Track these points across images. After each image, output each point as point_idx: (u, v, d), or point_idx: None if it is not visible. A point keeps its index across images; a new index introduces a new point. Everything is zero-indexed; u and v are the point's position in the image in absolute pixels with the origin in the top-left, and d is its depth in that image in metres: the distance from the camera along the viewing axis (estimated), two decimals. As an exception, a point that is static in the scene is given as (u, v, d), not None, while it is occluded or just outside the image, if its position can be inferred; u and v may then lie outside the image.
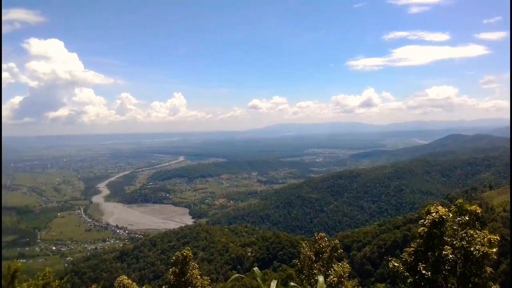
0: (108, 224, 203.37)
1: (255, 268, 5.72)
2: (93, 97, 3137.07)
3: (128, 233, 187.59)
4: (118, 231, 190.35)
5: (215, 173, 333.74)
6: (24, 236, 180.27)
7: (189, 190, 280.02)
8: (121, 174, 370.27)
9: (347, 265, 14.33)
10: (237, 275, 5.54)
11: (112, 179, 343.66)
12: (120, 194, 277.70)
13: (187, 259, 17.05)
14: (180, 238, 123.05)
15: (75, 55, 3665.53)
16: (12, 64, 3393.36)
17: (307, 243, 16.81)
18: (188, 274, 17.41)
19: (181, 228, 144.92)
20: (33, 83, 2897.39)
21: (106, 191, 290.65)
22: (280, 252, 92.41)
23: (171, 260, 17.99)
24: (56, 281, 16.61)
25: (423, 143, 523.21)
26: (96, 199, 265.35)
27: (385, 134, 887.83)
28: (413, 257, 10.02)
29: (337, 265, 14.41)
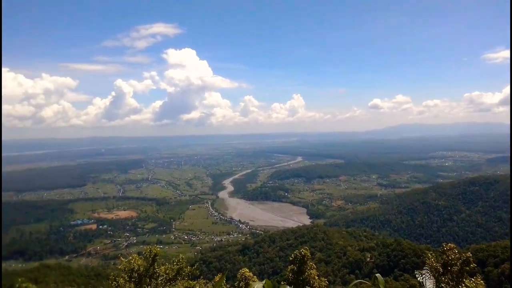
0: (232, 218, 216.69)
1: (378, 275, 5.69)
2: (220, 100, 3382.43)
3: (249, 228, 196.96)
4: (240, 226, 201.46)
5: (333, 174, 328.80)
6: (161, 224, 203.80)
7: (307, 190, 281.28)
8: (244, 172, 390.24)
9: (481, 281, 13.06)
10: (358, 280, 5.61)
11: (236, 176, 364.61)
12: (242, 191, 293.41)
13: (305, 259, 17.50)
14: (298, 237, 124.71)
15: (205, 62, 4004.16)
16: (153, 73, 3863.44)
17: (433, 254, 15.76)
18: (306, 273, 17.86)
19: (299, 227, 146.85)
20: (171, 89, 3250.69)
21: (230, 188, 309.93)
22: (402, 261, 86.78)
23: (290, 258, 18.62)
24: (188, 267, 18.76)
25: None
26: (222, 194, 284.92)
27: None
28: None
29: (469, 281, 13.23)
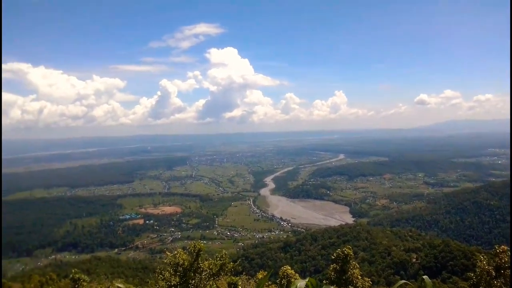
0: (273, 215, 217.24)
1: (425, 277, 5.53)
2: (261, 98, 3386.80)
3: (291, 225, 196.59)
4: (282, 223, 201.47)
5: (376, 172, 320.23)
6: (205, 220, 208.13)
7: (349, 189, 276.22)
8: (285, 169, 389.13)
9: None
10: (403, 281, 5.46)
11: (277, 174, 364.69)
12: (284, 188, 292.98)
13: (348, 258, 17.35)
14: (340, 236, 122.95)
15: (246, 60, 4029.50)
16: (197, 72, 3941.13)
17: (485, 256, 15.11)
18: (349, 272, 17.69)
19: (341, 226, 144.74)
20: (213, 88, 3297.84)
21: (271, 185, 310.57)
22: (450, 263, 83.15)
23: (332, 257, 18.52)
24: (231, 263, 19.11)
25: None
26: (263, 191, 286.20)
27: None
28: None
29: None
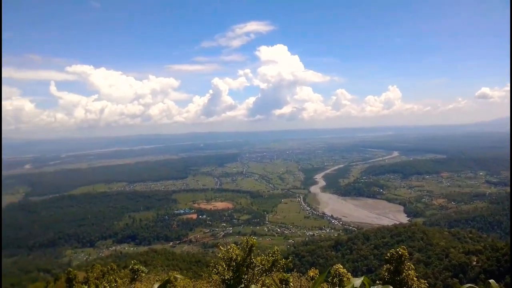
0: (324, 213, 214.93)
1: (492, 281, 5.20)
2: (311, 94, 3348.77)
3: (342, 224, 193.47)
4: (333, 221, 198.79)
5: (433, 170, 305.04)
6: (255, 216, 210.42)
7: (404, 187, 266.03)
8: (336, 167, 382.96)
9: None
10: (469, 285, 5.15)
11: (328, 171, 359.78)
12: (334, 186, 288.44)
13: (403, 258, 16.95)
14: (394, 236, 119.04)
15: (296, 57, 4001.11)
16: (247, 70, 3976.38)
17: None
18: (404, 273, 17.29)
19: (395, 226, 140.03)
20: (263, 85, 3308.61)
21: (322, 182, 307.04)
22: (516, 267, 77.68)
23: (386, 257, 18.16)
24: (283, 260, 19.36)
25: None
26: (313, 189, 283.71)
27: None
28: None
29: None
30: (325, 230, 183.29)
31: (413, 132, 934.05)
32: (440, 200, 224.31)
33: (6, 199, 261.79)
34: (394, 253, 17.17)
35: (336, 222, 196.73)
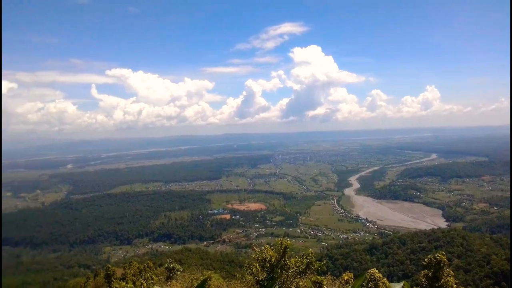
0: (358, 216, 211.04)
1: None
2: (346, 95, 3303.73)
3: (377, 227, 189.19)
4: (367, 224, 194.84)
5: (473, 173, 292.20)
6: (288, 218, 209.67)
7: (442, 191, 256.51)
8: (371, 169, 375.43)
9: None
10: None
11: (362, 173, 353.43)
12: (369, 188, 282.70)
13: (441, 264, 16.50)
14: (431, 241, 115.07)
15: (330, 58, 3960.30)
16: (280, 72, 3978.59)
17: None
18: (442, 280, 16.83)
19: (433, 230, 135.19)
20: (297, 86, 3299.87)
21: (356, 185, 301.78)
22: None
23: (423, 262, 17.73)
24: (317, 262, 19.31)
25: None
26: (347, 191, 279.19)
27: None
28: None
29: None
30: (360, 233, 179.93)
31: (452, 134, 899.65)
32: (481, 204, 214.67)
33: (50, 197, 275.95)
34: (433, 258, 16.73)
35: (371, 226, 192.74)
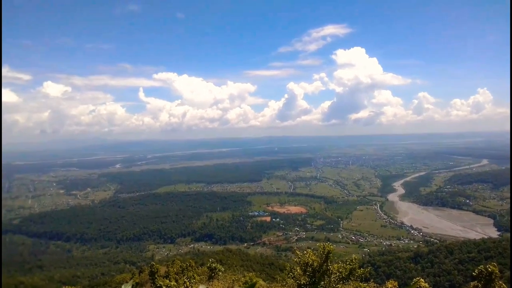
0: (402, 223, 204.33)
1: None
2: (390, 98, 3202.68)
3: (422, 235, 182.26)
4: (412, 232, 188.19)
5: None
6: (329, 222, 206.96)
7: (494, 198, 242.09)
8: (417, 174, 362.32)
9: None
10: None
11: (407, 178, 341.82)
12: (414, 194, 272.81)
13: (493, 276, 15.92)
14: (481, 251, 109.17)
15: (375, 59, 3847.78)
16: (323, 74, 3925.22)
17: None
18: (494, 293, 16.19)
19: (483, 240, 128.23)
20: (339, 89, 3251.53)
21: (401, 190, 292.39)
22: None
23: (473, 273, 17.18)
24: (361, 269, 19.17)
25: None
26: (391, 197, 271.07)
27: None
28: None
29: None
30: (404, 241, 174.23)
31: (506, 139, 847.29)
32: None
33: (99, 195, 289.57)
34: (483, 269, 16.19)
35: (416, 233, 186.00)
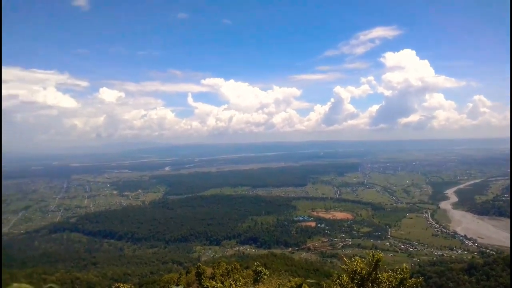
0: (455, 232, 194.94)
1: None
2: (443, 101, 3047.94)
3: (477, 246, 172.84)
4: (466, 242, 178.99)
5: None
6: (376, 230, 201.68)
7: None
8: (471, 182, 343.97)
9: None
10: None
11: (461, 186, 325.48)
12: (469, 203, 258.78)
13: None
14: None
15: (426, 62, 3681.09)
16: (370, 78, 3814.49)
17: None
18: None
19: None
20: (388, 92, 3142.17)
21: (453, 198, 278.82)
22: None
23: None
24: (413, 279, 19.22)
25: None
26: (443, 205, 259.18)
27: None
28: None
29: None
30: (457, 251, 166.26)
31: None
32: None
33: (150, 197, 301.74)
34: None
35: (470, 243, 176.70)
